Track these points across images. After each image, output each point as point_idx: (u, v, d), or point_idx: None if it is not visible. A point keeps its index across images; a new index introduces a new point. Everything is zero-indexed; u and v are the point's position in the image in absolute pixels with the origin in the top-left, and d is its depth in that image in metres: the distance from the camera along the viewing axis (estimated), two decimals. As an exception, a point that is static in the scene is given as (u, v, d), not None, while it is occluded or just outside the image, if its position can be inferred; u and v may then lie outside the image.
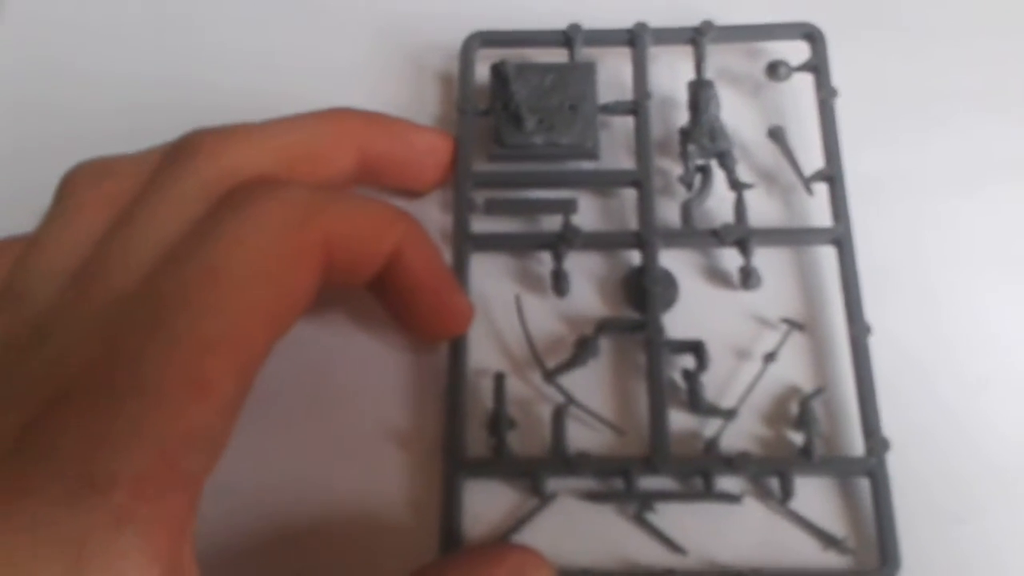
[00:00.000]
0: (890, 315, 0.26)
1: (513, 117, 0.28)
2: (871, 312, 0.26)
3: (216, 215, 0.22)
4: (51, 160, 0.24)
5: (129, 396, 0.19)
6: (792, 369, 0.26)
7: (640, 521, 0.24)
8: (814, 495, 0.25)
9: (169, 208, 0.22)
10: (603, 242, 0.28)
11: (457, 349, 0.26)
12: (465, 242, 0.27)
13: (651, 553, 0.24)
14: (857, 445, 0.25)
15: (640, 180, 0.28)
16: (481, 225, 0.28)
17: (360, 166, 0.26)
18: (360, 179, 0.26)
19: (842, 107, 0.28)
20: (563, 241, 0.27)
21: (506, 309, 0.27)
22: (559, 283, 0.27)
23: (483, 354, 0.27)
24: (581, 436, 0.26)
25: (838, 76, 0.29)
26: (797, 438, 0.25)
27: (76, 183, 0.23)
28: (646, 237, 0.27)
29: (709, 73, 0.29)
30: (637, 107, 0.29)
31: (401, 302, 0.25)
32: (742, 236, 0.27)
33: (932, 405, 0.26)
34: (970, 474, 0.25)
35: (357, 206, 0.23)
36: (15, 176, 0.26)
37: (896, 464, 0.24)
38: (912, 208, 0.28)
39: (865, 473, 0.24)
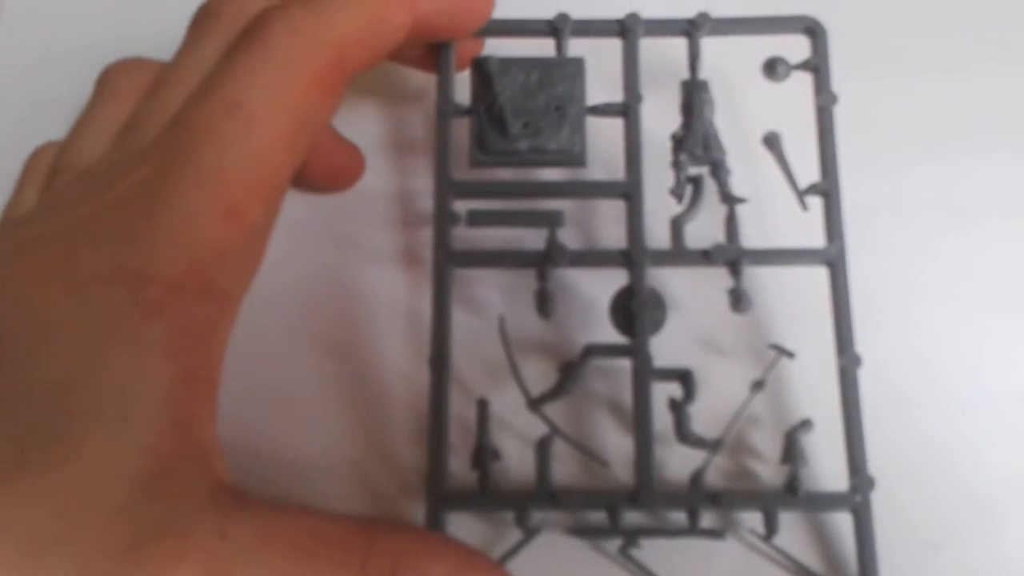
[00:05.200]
0: (876, 341, 0.26)
1: (497, 121, 0.27)
2: (856, 335, 0.25)
3: (232, 48, 0.22)
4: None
5: (166, 214, 0.20)
6: (779, 398, 0.26)
7: (625, 556, 0.24)
8: (797, 528, 0.25)
9: (197, 61, 0.23)
10: (590, 260, 0.26)
11: (440, 373, 0.25)
12: (447, 259, 0.26)
13: (635, 588, 0.25)
14: (841, 477, 0.25)
15: (630, 192, 0.26)
16: (463, 235, 0.26)
17: (415, 26, 0.25)
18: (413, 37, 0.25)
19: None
20: (548, 259, 0.26)
21: (489, 327, 0.26)
22: (544, 305, 0.26)
23: (466, 375, 0.26)
24: (566, 465, 0.25)
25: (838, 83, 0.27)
26: (782, 470, 0.25)
27: (111, 77, 0.24)
28: (635, 257, 0.26)
29: (703, 71, 0.27)
30: (628, 109, 0.27)
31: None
32: (733, 257, 0.26)
33: (915, 434, 0.26)
34: (952, 503, 0.25)
35: (360, 6, 0.23)
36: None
37: (879, 493, 0.24)
38: (902, 237, 0.27)
39: (849, 510, 0.24)
